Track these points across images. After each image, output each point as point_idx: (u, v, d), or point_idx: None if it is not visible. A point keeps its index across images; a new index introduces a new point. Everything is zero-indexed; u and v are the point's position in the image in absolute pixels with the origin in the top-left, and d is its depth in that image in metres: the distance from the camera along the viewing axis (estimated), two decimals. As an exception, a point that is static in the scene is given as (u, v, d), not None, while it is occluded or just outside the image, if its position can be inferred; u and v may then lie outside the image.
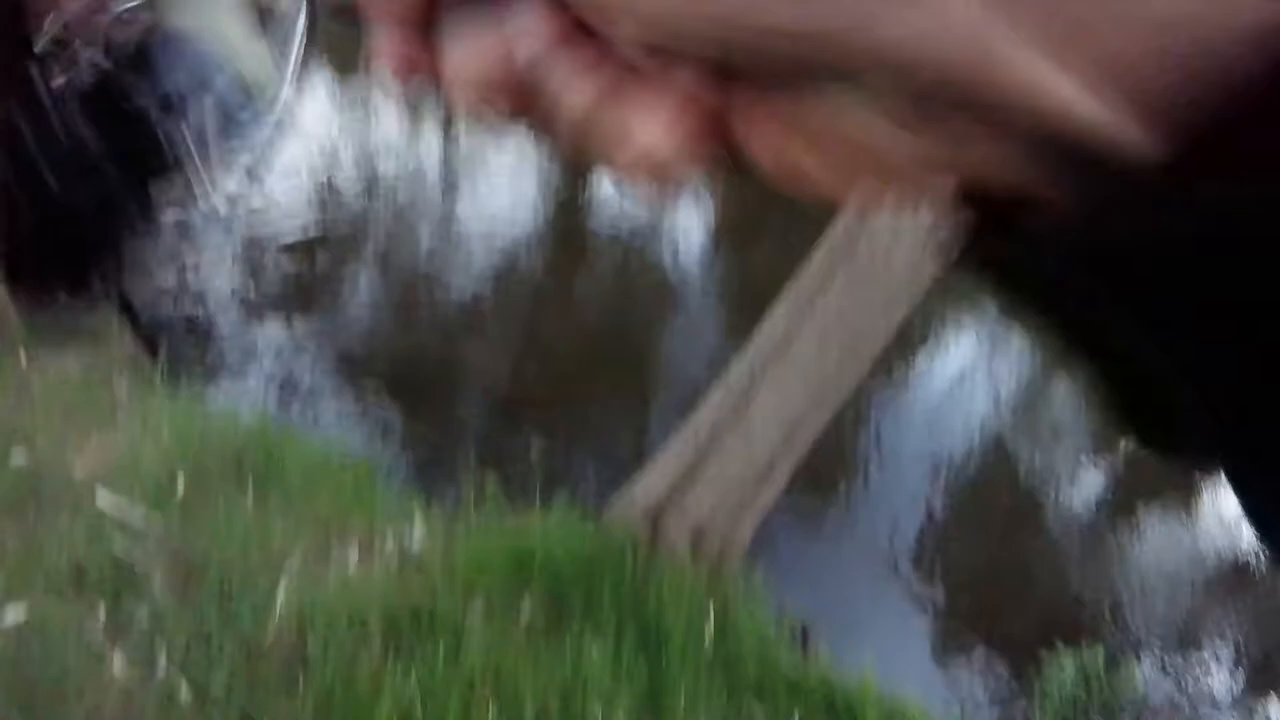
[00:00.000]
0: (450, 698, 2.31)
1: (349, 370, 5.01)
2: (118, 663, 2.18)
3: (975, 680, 4.75)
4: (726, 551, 3.63)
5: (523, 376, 5.51)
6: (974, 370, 7.10)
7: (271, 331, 4.74)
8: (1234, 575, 6.48)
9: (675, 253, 7.73)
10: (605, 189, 8.78)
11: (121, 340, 3.64)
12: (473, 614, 2.83)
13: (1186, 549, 6.68)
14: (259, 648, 2.31)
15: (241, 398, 4.03)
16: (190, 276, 4.29)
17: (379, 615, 2.60)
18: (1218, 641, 5.77)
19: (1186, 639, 5.86)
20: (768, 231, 8.53)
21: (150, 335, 3.79)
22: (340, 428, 4.60)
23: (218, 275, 4.52)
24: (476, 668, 2.46)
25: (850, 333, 2.99)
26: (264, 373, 4.46)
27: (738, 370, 3.38)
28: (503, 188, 7.88)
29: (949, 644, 4.87)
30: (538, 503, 4.01)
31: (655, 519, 3.60)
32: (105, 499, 2.62)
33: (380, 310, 5.74)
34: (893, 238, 2.81)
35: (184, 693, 2.11)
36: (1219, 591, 6.27)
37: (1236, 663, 5.61)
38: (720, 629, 3.18)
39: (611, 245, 7.56)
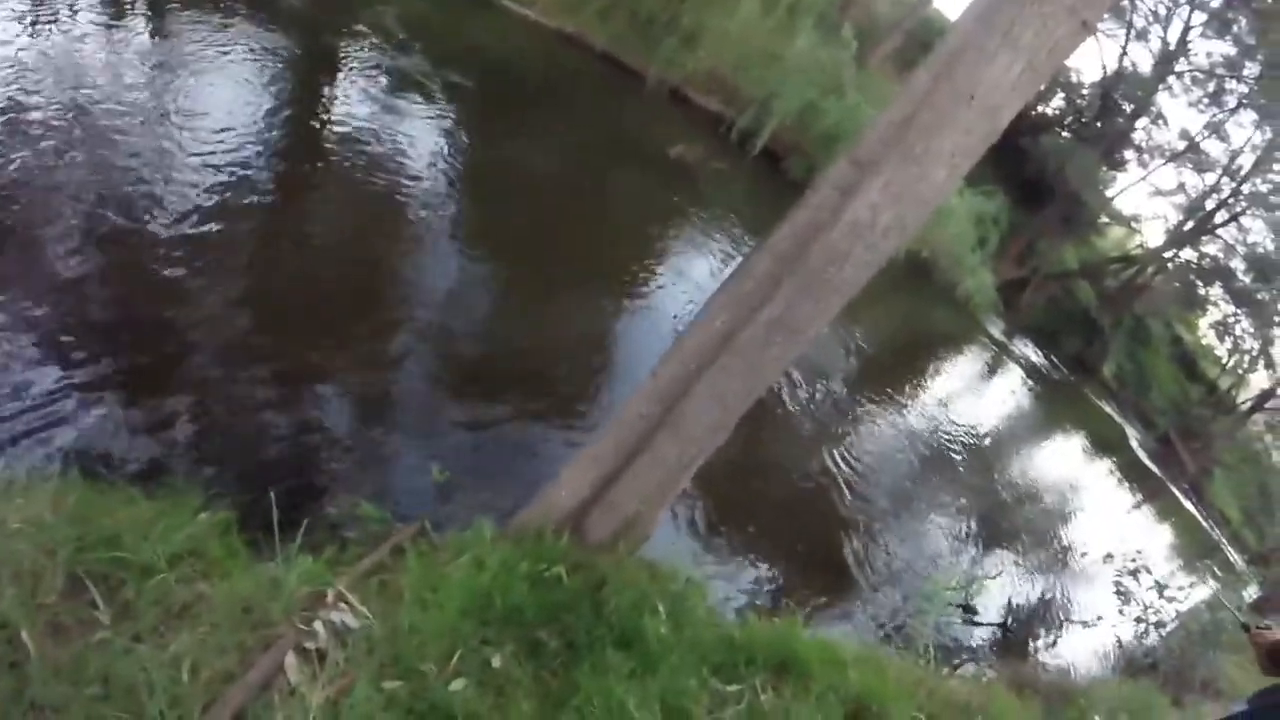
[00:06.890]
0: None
1: (99, 372, 3.89)
2: None
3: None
4: (642, 536, 3.65)
5: (266, 330, 4.65)
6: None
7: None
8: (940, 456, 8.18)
9: (417, 167, 6.98)
10: (341, 94, 7.52)
11: None
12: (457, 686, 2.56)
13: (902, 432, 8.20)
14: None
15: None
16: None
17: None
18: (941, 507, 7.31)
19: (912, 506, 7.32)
20: (510, 150, 8.03)
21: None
22: (128, 454, 3.61)
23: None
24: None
25: (793, 328, 3.04)
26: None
27: (669, 367, 3.27)
28: (222, 97, 6.34)
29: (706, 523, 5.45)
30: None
31: (579, 518, 3.48)
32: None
33: (96, 280, 4.39)
34: (849, 247, 2.86)
35: None
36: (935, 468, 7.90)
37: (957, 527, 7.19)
38: (673, 616, 3.26)
39: (348, 161, 6.58)
